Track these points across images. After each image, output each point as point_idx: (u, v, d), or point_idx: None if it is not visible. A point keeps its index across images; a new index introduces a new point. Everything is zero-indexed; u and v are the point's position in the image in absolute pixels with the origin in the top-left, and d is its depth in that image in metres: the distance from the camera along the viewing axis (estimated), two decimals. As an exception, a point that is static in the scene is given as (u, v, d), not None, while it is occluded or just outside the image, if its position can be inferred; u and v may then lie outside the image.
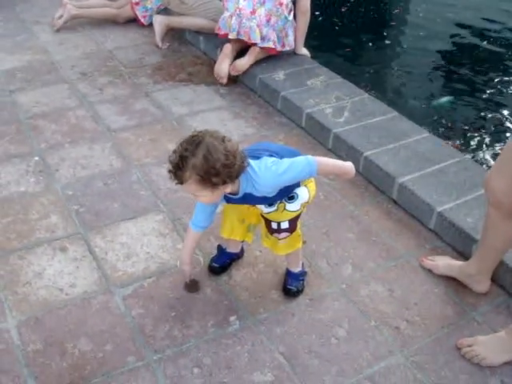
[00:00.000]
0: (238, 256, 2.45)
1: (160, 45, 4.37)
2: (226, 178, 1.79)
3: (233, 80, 3.87)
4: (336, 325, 2.18)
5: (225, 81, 3.82)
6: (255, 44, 3.76)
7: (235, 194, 1.94)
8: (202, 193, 1.83)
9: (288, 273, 2.33)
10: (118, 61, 4.20)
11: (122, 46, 4.43)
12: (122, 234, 2.60)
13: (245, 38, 3.76)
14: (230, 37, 3.80)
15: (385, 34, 5.44)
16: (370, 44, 5.07)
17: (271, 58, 3.86)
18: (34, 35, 4.61)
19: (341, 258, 2.49)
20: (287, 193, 2.03)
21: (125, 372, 1.99)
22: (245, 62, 3.79)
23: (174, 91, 3.80)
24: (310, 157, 1.93)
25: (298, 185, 2.03)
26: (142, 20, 4.71)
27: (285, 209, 2.06)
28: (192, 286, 2.30)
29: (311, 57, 4.03)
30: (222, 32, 3.87)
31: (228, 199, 2.02)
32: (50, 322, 2.17)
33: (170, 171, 1.84)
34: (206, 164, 1.74)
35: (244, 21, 3.73)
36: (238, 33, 3.76)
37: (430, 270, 2.42)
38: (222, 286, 2.33)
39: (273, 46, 3.77)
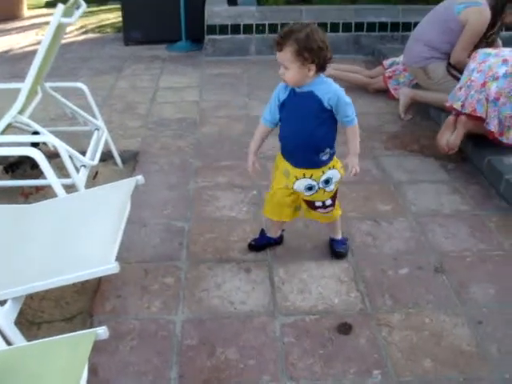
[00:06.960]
0: (275, 241, 2.88)
1: (402, 116, 4.49)
2: (315, 57, 2.25)
3: (462, 158, 3.79)
4: (484, 411, 2.02)
5: (447, 152, 3.72)
6: (481, 119, 3.55)
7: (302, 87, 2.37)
8: (292, 64, 2.25)
9: (333, 240, 2.84)
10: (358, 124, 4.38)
11: (365, 111, 4.61)
12: (305, 271, 2.72)
13: (467, 111, 3.60)
14: (454, 106, 3.71)
15: None
16: None
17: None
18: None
19: (516, 348, 2.30)
20: (321, 144, 2.52)
21: (256, 386, 2.09)
22: (454, 138, 3.67)
23: (400, 159, 3.86)
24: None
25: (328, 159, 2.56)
26: (393, 93, 4.88)
27: (325, 191, 2.57)
28: (345, 328, 2.35)
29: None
30: (448, 104, 3.81)
31: (285, 102, 2.45)
32: (211, 326, 2.37)
33: (276, 39, 2.27)
34: (306, 39, 2.22)
35: (472, 92, 3.59)
36: (463, 105, 3.64)
37: None
38: (379, 341, 2.30)
39: (492, 129, 3.55)
